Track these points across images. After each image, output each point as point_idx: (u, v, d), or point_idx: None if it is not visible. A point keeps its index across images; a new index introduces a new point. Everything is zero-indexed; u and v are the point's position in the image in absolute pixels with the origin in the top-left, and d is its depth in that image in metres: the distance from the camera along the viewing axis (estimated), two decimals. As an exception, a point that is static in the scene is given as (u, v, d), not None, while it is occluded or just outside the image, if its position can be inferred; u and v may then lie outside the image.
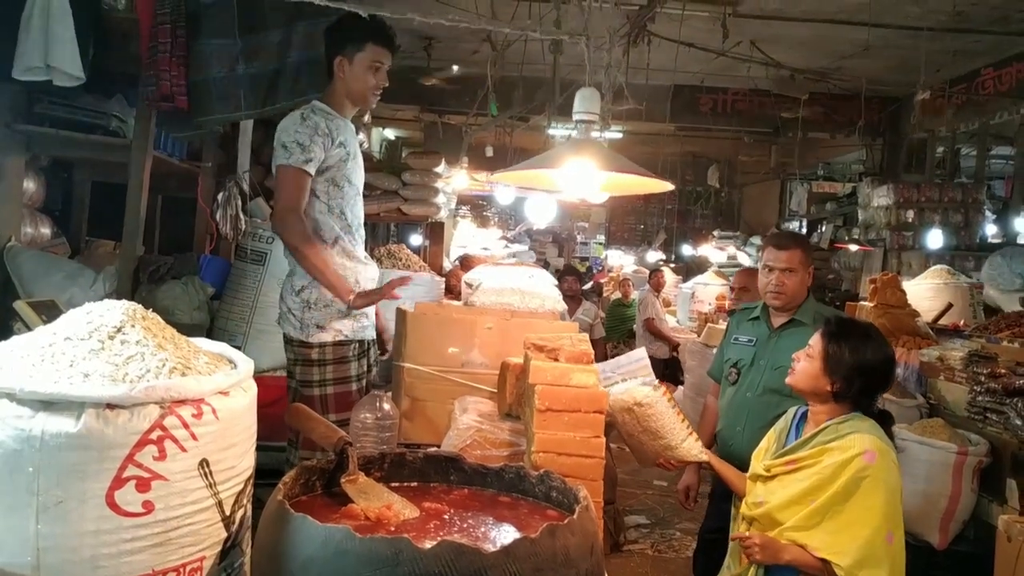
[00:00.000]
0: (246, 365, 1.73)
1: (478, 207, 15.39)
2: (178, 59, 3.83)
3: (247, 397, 1.67)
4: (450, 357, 2.89)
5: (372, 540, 1.43)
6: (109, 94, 4.52)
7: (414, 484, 1.94)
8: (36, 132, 4.46)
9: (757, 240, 13.42)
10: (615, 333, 11.03)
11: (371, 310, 3.29)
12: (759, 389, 3.48)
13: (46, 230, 5.22)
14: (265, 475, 1.87)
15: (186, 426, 1.52)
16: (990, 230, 10.49)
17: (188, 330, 1.82)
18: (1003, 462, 4.05)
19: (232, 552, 1.66)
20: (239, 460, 1.64)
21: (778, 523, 2.64)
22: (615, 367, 3.36)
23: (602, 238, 19.45)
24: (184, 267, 4.63)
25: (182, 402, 1.52)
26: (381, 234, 9.52)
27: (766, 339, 3.58)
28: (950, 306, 6.62)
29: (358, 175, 3.36)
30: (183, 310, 4.35)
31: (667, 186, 2.54)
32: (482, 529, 1.70)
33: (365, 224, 3.48)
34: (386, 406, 2.46)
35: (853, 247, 10.30)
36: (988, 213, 10.14)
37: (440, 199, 6.54)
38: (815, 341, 2.73)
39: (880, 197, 9.17)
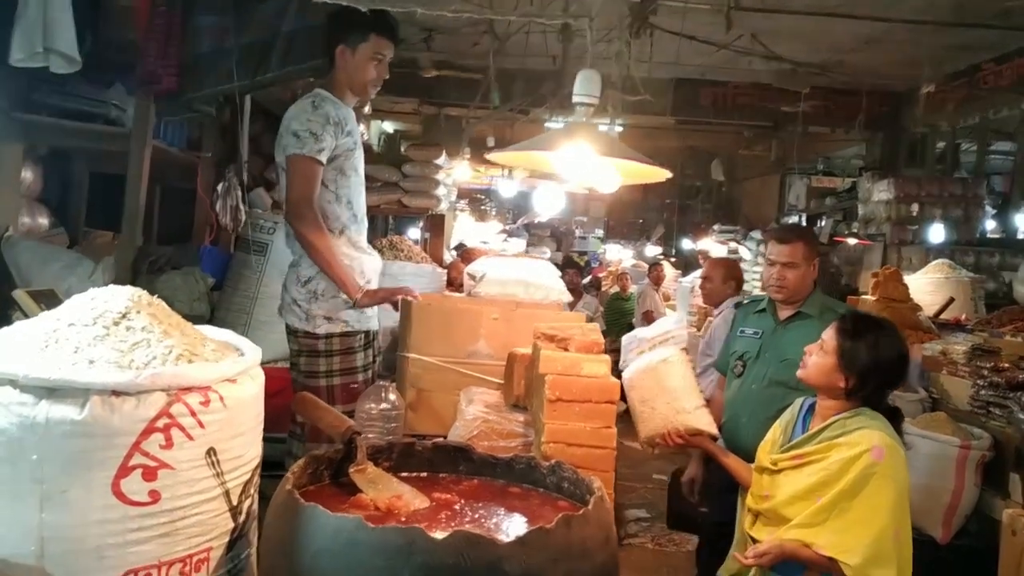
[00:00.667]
0: (253, 353, 1.70)
1: (476, 201, 15.36)
2: (173, 40, 3.79)
3: (255, 385, 1.64)
4: (456, 348, 2.86)
5: (384, 530, 1.40)
6: (108, 83, 4.48)
7: (423, 474, 1.91)
8: (33, 120, 4.41)
9: (757, 234, 13.38)
10: (614, 327, 11.00)
11: None
12: (765, 381, 3.45)
13: (44, 220, 5.18)
14: (266, 467, 1.84)
15: (193, 414, 1.49)
16: (989, 225, 10.47)
17: (189, 321, 1.78)
18: (1006, 456, 4.03)
19: (239, 543, 1.63)
20: (246, 449, 1.62)
21: (784, 518, 2.61)
22: (647, 335, 3.28)
23: (600, 232, 19.41)
24: (184, 258, 4.60)
25: (189, 389, 1.49)
26: (380, 227, 9.47)
27: (772, 332, 3.55)
28: (952, 300, 6.60)
29: (362, 164, 3.33)
30: (183, 301, 4.31)
31: (664, 174, 2.50)
32: (494, 520, 1.67)
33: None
34: (391, 397, 2.43)
35: (852, 241, 10.27)
36: (988, 208, 10.12)
37: (440, 191, 6.51)
38: (829, 336, 2.68)
39: (880, 192, 9.14)
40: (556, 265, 8.09)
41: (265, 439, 1.84)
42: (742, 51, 7.22)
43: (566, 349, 2.23)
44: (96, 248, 5.15)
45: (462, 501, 1.76)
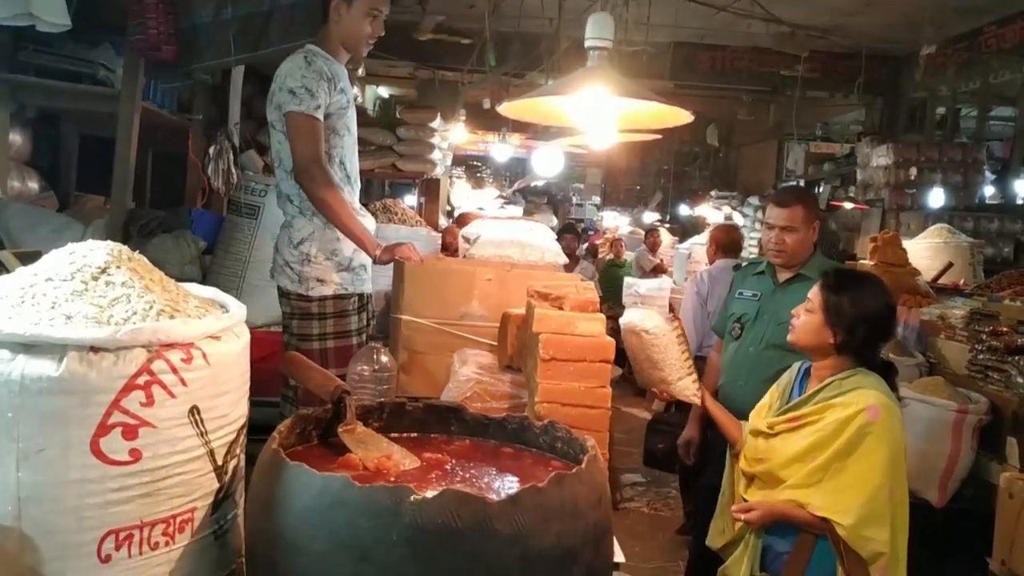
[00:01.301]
0: (238, 309, 1.66)
1: (473, 168, 15.26)
2: (167, 5, 3.70)
3: (239, 343, 1.60)
4: (449, 309, 2.81)
5: (372, 489, 1.36)
6: (95, 43, 4.39)
7: (414, 435, 1.88)
8: (20, 81, 4.32)
9: (754, 200, 13.33)
10: (609, 294, 10.97)
11: (369, 262, 3.21)
12: (762, 344, 3.42)
13: (34, 184, 5.11)
14: (258, 431, 1.80)
15: (175, 371, 1.44)
16: (989, 191, 10.41)
17: (176, 281, 1.74)
18: (1003, 420, 4.02)
19: (225, 503, 1.59)
20: (232, 408, 1.57)
21: (780, 480, 2.59)
22: (641, 290, 3.24)
23: (597, 199, 19.32)
24: (175, 221, 4.54)
25: (170, 346, 1.44)
26: (375, 191, 9.39)
27: (771, 294, 3.52)
28: (950, 265, 6.57)
29: (355, 124, 3.27)
30: (174, 264, 4.26)
31: (686, 116, 2.43)
32: (485, 479, 1.64)
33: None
34: (384, 359, 2.40)
35: (850, 206, 10.22)
36: (987, 174, 10.06)
37: (436, 155, 6.44)
38: (814, 294, 2.65)
39: (879, 157, 9.07)
40: (554, 231, 8.06)
41: (257, 403, 1.80)
42: (741, 14, 7.13)
43: (560, 308, 2.18)
44: (87, 212, 5.09)
45: (453, 461, 1.73)
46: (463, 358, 2.60)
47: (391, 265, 3.24)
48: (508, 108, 2.62)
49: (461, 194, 12.39)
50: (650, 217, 15.23)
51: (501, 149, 9.37)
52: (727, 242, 5.81)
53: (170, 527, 1.48)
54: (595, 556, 1.48)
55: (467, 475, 1.66)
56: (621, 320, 2.65)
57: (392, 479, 1.61)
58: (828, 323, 2.58)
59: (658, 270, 9.69)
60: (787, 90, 9.39)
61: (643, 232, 12.07)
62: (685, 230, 14.70)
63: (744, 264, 4.01)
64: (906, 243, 6.49)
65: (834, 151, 12.74)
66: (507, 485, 1.61)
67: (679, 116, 2.45)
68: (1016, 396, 3.97)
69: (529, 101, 2.44)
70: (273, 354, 3.29)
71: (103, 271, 1.53)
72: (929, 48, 6.42)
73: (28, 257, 3.60)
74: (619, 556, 1.89)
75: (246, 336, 1.64)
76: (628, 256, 11.36)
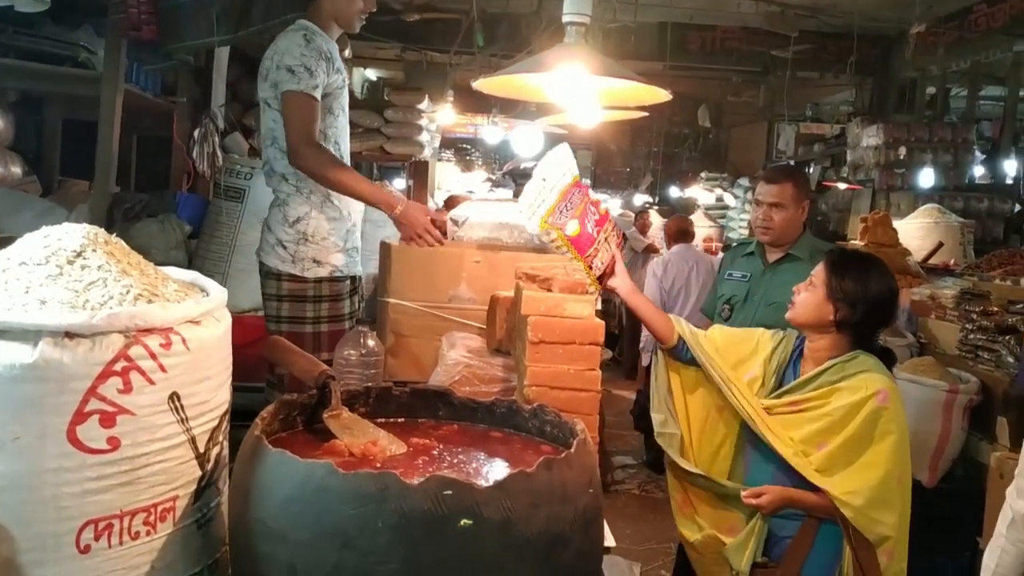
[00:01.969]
0: (219, 293, 1.61)
1: (462, 151, 15.18)
2: (150, -17, 3.65)
3: (220, 327, 1.55)
4: (437, 292, 2.78)
5: (356, 476, 1.33)
6: (76, 24, 4.32)
7: (401, 420, 1.84)
8: (0, 64, 4.26)
9: (744, 182, 13.31)
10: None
11: (360, 244, 3.16)
12: (752, 325, 3.40)
13: (17, 169, 5.05)
14: (243, 416, 1.77)
15: (153, 356, 1.40)
16: (978, 171, 10.43)
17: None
18: (993, 400, 4.03)
19: (207, 491, 1.56)
20: (213, 394, 1.53)
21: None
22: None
23: (587, 181, 19.26)
24: (160, 205, 4.49)
25: (148, 331, 1.40)
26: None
27: (760, 275, 3.50)
28: (941, 245, 6.58)
29: (347, 104, 3.22)
30: (159, 249, 4.22)
31: (663, 95, 2.40)
32: (473, 465, 1.61)
33: None
34: (371, 342, 2.36)
35: (842, 186, 10.21)
36: (977, 154, 10.07)
37: (424, 137, 6.38)
38: (818, 271, 2.64)
39: (869, 137, 9.07)
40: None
41: (243, 388, 1.76)
42: (732, -8, 7.08)
43: (549, 289, 2.15)
44: (71, 196, 5.04)
45: (441, 446, 1.70)
46: (451, 341, 2.57)
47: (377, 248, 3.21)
48: (484, 84, 2.58)
49: (451, 177, 12.32)
50: (640, 199, 15.19)
51: (490, 131, 9.31)
52: (677, 231, 7.22)
53: (151, 516, 1.45)
54: (585, 540, 1.45)
55: (455, 460, 1.63)
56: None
57: (378, 465, 1.58)
58: (829, 298, 2.56)
59: (650, 250, 9.67)
60: (777, 70, 9.37)
61: (633, 214, 12.03)
62: (675, 211, 14.67)
63: (734, 245, 3.99)
64: (896, 223, 6.50)
65: (824, 131, 12.74)
66: (496, 470, 1.58)
67: (656, 95, 2.42)
68: (1006, 376, 3.98)
69: (505, 77, 2.40)
70: (260, 339, 3.24)
71: (78, 255, 1.48)
72: (919, 27, 6.39)
73: (5, 242, 3.55)
74: (610, 540, 1.87)
75: (227, 320, 1.60)
76: (617, 238, 11.32)
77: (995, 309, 4.25)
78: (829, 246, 3.50)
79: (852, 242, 6.59)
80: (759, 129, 13.89)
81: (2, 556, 1.33)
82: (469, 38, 6.97)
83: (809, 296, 2.60)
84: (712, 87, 12.61)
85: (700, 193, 14.23)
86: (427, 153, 6.83)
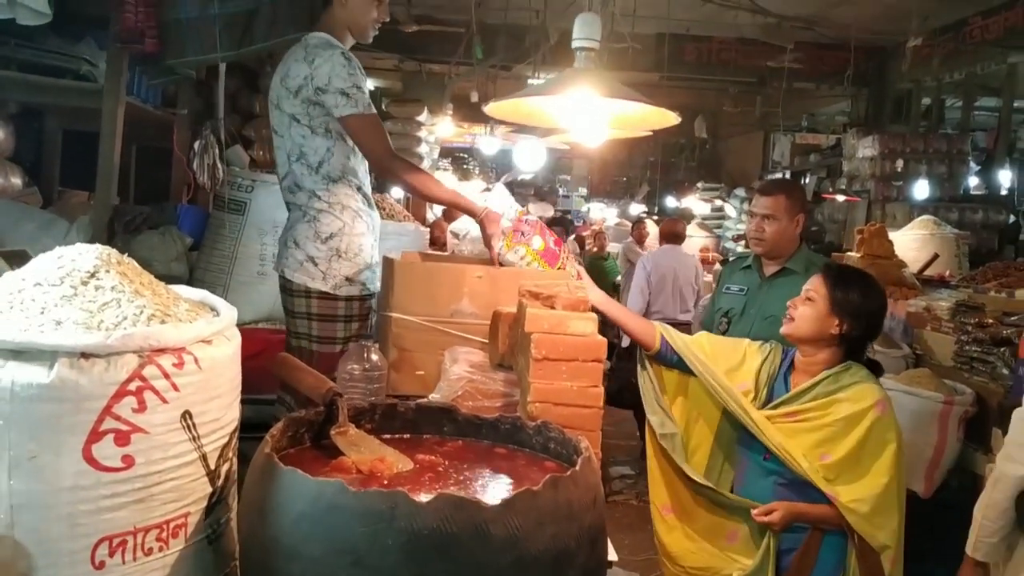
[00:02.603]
0: (229, 312, 1.64)
1: (459, 159, 15.22)
2: (151, -4, 3.68)
3: (231, 346, 1.58)
4: (439, 307, 2.80)
5: (367, 494, 1.36)
6: (78, 36, 4.34)
7: (406, 436, 1.87)
8: (2, 76, 4.27)
9: (741, 192, 13.36)
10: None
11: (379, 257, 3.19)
12: (749, 338, 3.43)
13: (17, 180, 5.06)
14: (249, 429, 1.80)
15: (167, 376, 1.43)
16: (973, 182, 10.48)
17: (166, 281, 1.72)
18: (989, 411, 4.05)
19: (218, 507, 1.58)
20: (223, 412, 1.57)
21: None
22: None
23: (584, 191, 19.31)
24: (161, 217, 4.51)
25: (162, 351, 1.43)
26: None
27: (757, 288, 3.53)
28: (936, 256, 6.60)
29: None
30: (160, 261, 4.23)
31: (673, 118, 2.44)
32: (479, 482, 1.64)
33: None
34: (374, 357, 2.38)
35: (840, 197, 10.26)
36: (972, 165, 10.11)
37: (423, 148, 6.42)
38: (815, 285, 2.67)
39: (865, 148, 9.12)
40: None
41: (248, 401, 1.79)
42: (727, 5, 7.14)
43: (552, 307, 2.18)
44: (71, 208, 5.05)
45: (446, 463, 1.72)
46: (454, 356, 2.59)
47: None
48: (493, 109, 2.61)
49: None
50: (637, 209, 15.24)
51: (488, 142, 9.33)
52: (670, 232, 7.74)
53: (164, 532, 1.47)
54: (590, 557, 1.48)
55: (461, 477, 1.65)
56: None
57: (386, 482, 1.61)
58: (833, 312, 2.60)
59: None
60: (773, 81, 9.42)
61: (630, 224, 12.06)
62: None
63: (732, 259, 4.03)
64: (892, 235, 6.52)
65: (820, 142, 12.79)
66: (501, 488, 1.61)
67: (666, 118, 2.45)
68: (1001, 387, 4.00)
69: (514, 101, 2.44)
70: (263, 351, 3.26)
71: (92, 275, 1.51)
72: (916, 40, 6.45)
73: (14, 256, 3.57)
74: (612, 554, 1.90)
75: (237, 339, 1.63)
76: (612, 248, 11.33)
77: (990, 321, 4.28)
78: (824, 260, 3.54)
79: (848, 254, 6.62)
80: (755, 139, 13.95)
81: (19, 572, 1.35)
82: (468, 49, 7.00)
83: (809, 311, 2.63)
84: (709, 98, 12.67)
85: (696, 203, 14.28)
86: (426, 164, 6.86)
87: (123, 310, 1.46)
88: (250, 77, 5.90)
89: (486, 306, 2.73)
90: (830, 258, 6.77)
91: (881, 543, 2.47)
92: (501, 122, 10.49)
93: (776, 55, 8.68)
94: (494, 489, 1.60)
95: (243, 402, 1.70)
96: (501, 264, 2.96)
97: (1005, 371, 4.02)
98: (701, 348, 2.80)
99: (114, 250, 1.61)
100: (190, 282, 4.45)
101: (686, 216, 13.89)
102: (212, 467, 1.54)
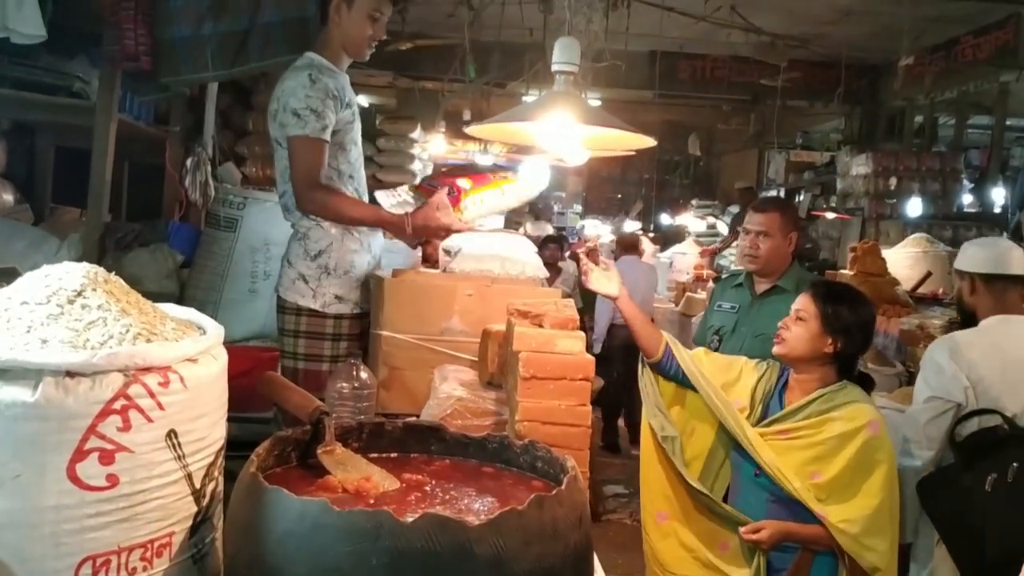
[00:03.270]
0: (216, 331, 1.64)
1: (454, 176, 15.21)
2: (143, 16, 3.68)
3: (217, 365, 1.58)
4: (429, 325, 2.80)
5: (351, 514, 1.35)
6: (71, 54, 4.36)
7: (393, 455, 1.86)
8: (-6, 93, 4.29)
9: (734, 209, 13.40)
10: (589, 306, 10.93)
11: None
12: (740, 356, 3.45)
13: (8, 197, 5.07)
14: (239, 447, 1.79)
15: (152, 395, 1.43)
16: (967, 199, 10.52)
17: (157, 299, 1.72)
18: (981, 429, 4.05)
19: (203, 527, 1.58)
20: (209, 431, 1.56)
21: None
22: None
23: (579, 208, 19.33)
24: (152, 234, 4.51)
25: (147, 370, 1.43)
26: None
27: (748, 306, 3.55)
28: (929, 274, 6.63)
29: (360, 136, 3.25)
30: (151, 278, 4.24)
31: (649, 142, 2.46)
32: (465, 501, 1.63)
33: None
34: (363, 375, 2.38)
35: (831, 215, 10.29)
36: (965, 182, 10.15)
37: (416, 166, 6.44)
38: (804, 304, 2.67)
39: (859, 166, 9.16)
40: (536, 240, 8.06)
41: (237, 419, 1.78)
42: (721, 23, 7.17)
43: (540, 325, 2.18)
44: (62, 225, 5.05)
45: (433, 482, 1.71)
46: (444, 374, 2.59)
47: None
48: (477, 130, 2.64)
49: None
50: (632, 226, 15.26)
51: (482, 158, 9.36)
52: (628, 244, 8.86)
53: (148, 552, 1.47)
54: (576, 576, 1.47)
55: (447, 496, 1.65)
56: None
57: (372, 501, 1.60)
58: (826, 330, 2.60)
59: None
60: (767, 99, 9.46)
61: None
62: (667, 239, 14.75)
63: (724, 276, 4.05)
64: (885, 252, 6.55)
65: (814, 159, 12.84)
66: (487, 507, 1.60)
67: (642, 141, 2.48)
68: (993, 405, 4.00)
69: (497, 125, 2.46)
70: (253, 369, 3.25)
71: (79, 294, 1.51)
72: (907, 59, 6.49)
73: (3, 274, 3.56)
74: (600, 574, 1.89)
75: (224, 358, 1.62)
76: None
77: (982, 339, 4.28)
78: (815, 278, 3.56)
79: (842, 271, 6.64)
80: (750, 156, 14.00)
81: (1, 593, 1.35)
82: (462, 67, 7.03)
83: (801, 330, 2.64)
84: (703, 115, 12.73)
85: (691, 220, 14.31)
86: (419, 182, 6.87)
87: (109, 329, 1.46)
88: (242, 94, 5.92)
89: (476, 324, 2.74)
90: (824, 275, 6.82)
91: (872, 564, 2.46)
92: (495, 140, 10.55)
93: (770, 73, 8.72)
94: (480, 509, 1.60)
95: (233, 420, 1.70)
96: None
97: (997, 389, 4.02)
98: (700, 363, 2.81)
99: (101, 268, 1.60)
100: (181, 299, 4.44)
101: (680, 233, 13.94)
102: (197, 486, 1.53)
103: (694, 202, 14.82)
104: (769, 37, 7.82)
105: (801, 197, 12.69)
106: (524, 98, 7.90)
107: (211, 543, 1.62)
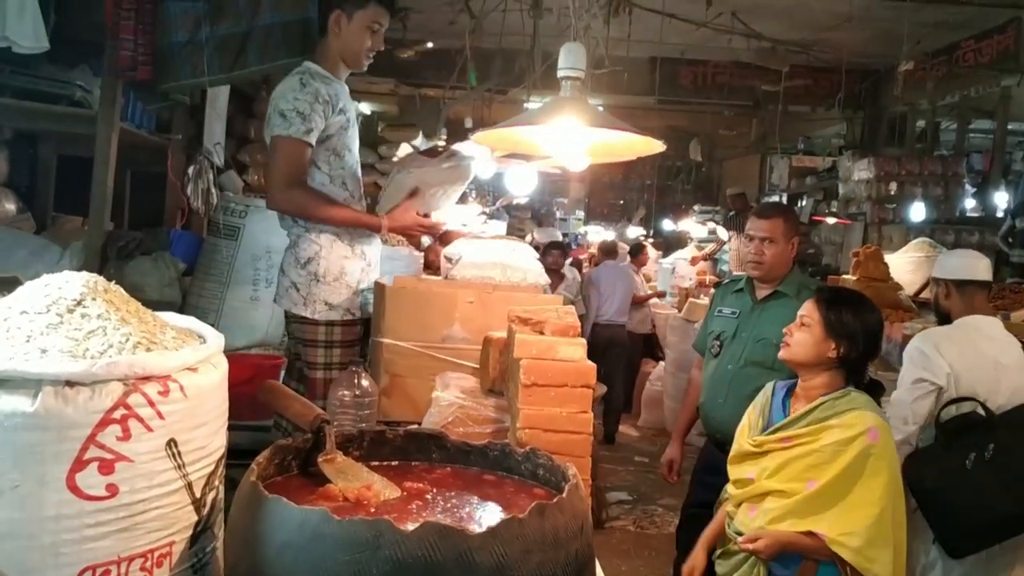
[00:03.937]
0: (216, 340, 1.64)
1: (456, 183, 15.21)
2: (144, 26, 3.68)
3: (217, 373, 1.58)
4: (430, 332, 2.80)
5: (351, 523, 1.34)
6: (72, 63, 4.36)
7: (394, 463, 1.86)
8: (-4, 103, 4.29)
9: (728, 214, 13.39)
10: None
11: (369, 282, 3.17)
12: (741, 361, 3.45)
13: (11, 205, 5.06)
14: (240, 455, 1.79)
15: (152, 404, 1.42)
16: (969, 204, 10.50)
17: (159, 307, 1.72)
18: (985, 433, 4.04)
19: (203, 536, 1.57)
20: (209, 440, 1.56)
21: (767, 492, 2.60)
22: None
23: (581, 214, 19.34)
24: (154, 242, 4.52)
25: (147, 379, 1.43)
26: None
27: (749, 311, 3.54)
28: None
29: (356, 143, 3.25)
30: (153, 286, 4.24)
31: (657, 145, 2.45)
32: (466, 509, 1.63)
33: None
34: (364, 383, 2.38)
35: (831, 220, 10.28)
36: (967, 187, 10.13)
37: (418, 173, 6.42)
38: (809, 310, 2.67)
39: (861, 171, 9.14)
40: (541, 246, 8.05)
41: (238, 427, 1.78)
42: (722, 29, 7.18)
43: (541, 332, 2.18)
44: (64, 233, 5.05)
45: (434, 490, 1.71)
46: (445, 382, 2.59)
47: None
48: (480, 138, 2.63)
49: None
50: (634, 232, 15.26)
51: (483, 166, 9.34)
52: (607, 250, 9.52)
53: (148, 562, 1.46)
54: (578, 585, 1.46)
55: (448, 505, 1.64)
56: None
57: (372, 510, 1.59)
58: (830, 336, 2.60)
59: (636, 299, 9.71)
60: (769, 104, 9.47)
61: (627, 247, 12.06)
62: (669, 245, 14.74)
63: (725, 281, 4.04)
64: (888, 257, 6.55)
65: (816, 165, 12.83)
66: (488, 515, 1.60)
67: (651, 146, 2.46)
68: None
69: (501, 131, 2.45)
70: (254, 377, 3.26)
71: (79, 303, 1.51)
72: (908, 64, 6.49)
73: (5, 283, 3.56)
74: (602, 581, 1.88)
75: (224, 367, 1.62)
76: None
77: (985, 344, 4.27)
78: (817, 283, 3.55)
79: (844, 276, 6.63)
80: (752, 162, 13.99)
81: (1, 603, 1.34)
82: (463, 74, 7.04)
83: (805, 336, 2.64)
84: (704, 121, 12.73)
85: (693, 226, 14.30)
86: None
87: (109, 338, 1.46)
88: (245, 102, 5.93)
89: (478, 331, 2.73)
90: (826, 281, 6.81)
91: (875, 574, 2.44)
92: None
93: (771, 79, 8.73)
94: (481, 517, 1.59)
95: (235, 428, 1.70)
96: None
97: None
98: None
99: (101, 277, 1.60)
100: (183, 308, 4.45)
101: (683, 239, 13.93)
102: (198, 495, 1.53)
103: (696, 208, 14.81)
104: (770, 43, 7.82)
105: (804, 202, 12.69)
106: (526, 105, 7.91)
107: (212, 552, 1.61)
